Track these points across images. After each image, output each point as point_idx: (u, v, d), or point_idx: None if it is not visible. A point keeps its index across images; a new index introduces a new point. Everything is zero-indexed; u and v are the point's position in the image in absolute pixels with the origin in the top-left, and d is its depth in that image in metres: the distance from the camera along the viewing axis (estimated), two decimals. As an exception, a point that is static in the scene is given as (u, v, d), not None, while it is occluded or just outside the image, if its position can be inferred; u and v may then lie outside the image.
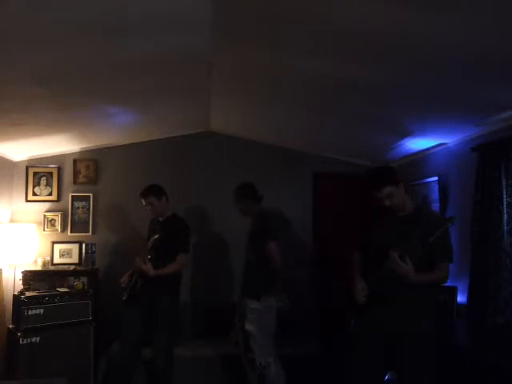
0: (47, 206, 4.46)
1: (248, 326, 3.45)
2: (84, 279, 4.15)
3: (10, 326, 3.76)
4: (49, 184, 4.47)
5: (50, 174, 4.48)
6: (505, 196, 3.04)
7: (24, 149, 4.22)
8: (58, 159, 4.51)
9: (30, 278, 3.95)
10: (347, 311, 2.73)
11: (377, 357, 2.62)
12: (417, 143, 3.99)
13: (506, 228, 3.03)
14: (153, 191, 3.60)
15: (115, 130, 4.23)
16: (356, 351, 2.69)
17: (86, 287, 4.09)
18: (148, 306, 3.48)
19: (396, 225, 2.67)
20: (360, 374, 2.64)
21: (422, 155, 4.22)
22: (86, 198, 4.52)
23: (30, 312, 3.65)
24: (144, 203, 3.62)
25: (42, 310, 3.71)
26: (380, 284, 2.54)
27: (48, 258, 4.29)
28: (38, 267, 4.17)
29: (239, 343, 3.67)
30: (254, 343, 3.44)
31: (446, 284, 3.52)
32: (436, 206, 3.88)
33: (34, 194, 4.44)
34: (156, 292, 3.46)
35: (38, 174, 4.45)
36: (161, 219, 3.68)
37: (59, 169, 4.50)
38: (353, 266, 2.84)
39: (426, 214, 2.73)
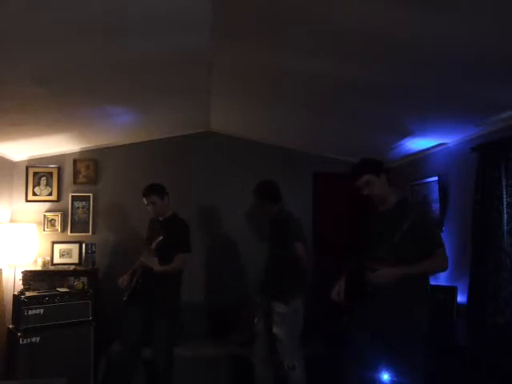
0: (47, 206, 4.46)
1: (276, 330, 3.40)
2: (84, 279, 4.15)
3: (10, 326, 3.76)
4: (49, 184, 4.47)
5: (50, 173, 4.47)
6: (505, 196, 3.04)
7: (24, 149, 4.22)
8: (58, 159, 4.51)
9: (30, 278, 3.95)
10: (341, 314, 2.73)
11: (370, 355, 2.61)
12: (417, 143, 3.99)
13: (506, 228, 3.03)
14: (155, 190, 3.56)
15: (115, 129, 4.23)
16: (349, 351, 2.69)
17: (85, 287, 4.09)
18: (148, 306, 3.47)
19: (380, 225, 2.69)
20: (354, 374, 2.64)
21: (422, 155, 4.21)
22: (86, 198, 4.51)
23: (30, 312, 3.65)
24: (146, 202, 3.57)
25: (41, 310, 3.70)
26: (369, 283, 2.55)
27: (48, 258, 4.29)
28: (38, 267, 4.16)
29: (258, 345, 3.57)
30: (280, 346, 3.40)
31: (445, 284, 3.56)
32: (436, 206, 3.88)
33: (34, 194, 4.43)
34: (156, 292, 3.46)
35: (38, 174, 4.45)
36: (161, 219, 3.67)
37: (59, 169, 4.50)
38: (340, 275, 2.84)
39: (403, 207, 2.68)
